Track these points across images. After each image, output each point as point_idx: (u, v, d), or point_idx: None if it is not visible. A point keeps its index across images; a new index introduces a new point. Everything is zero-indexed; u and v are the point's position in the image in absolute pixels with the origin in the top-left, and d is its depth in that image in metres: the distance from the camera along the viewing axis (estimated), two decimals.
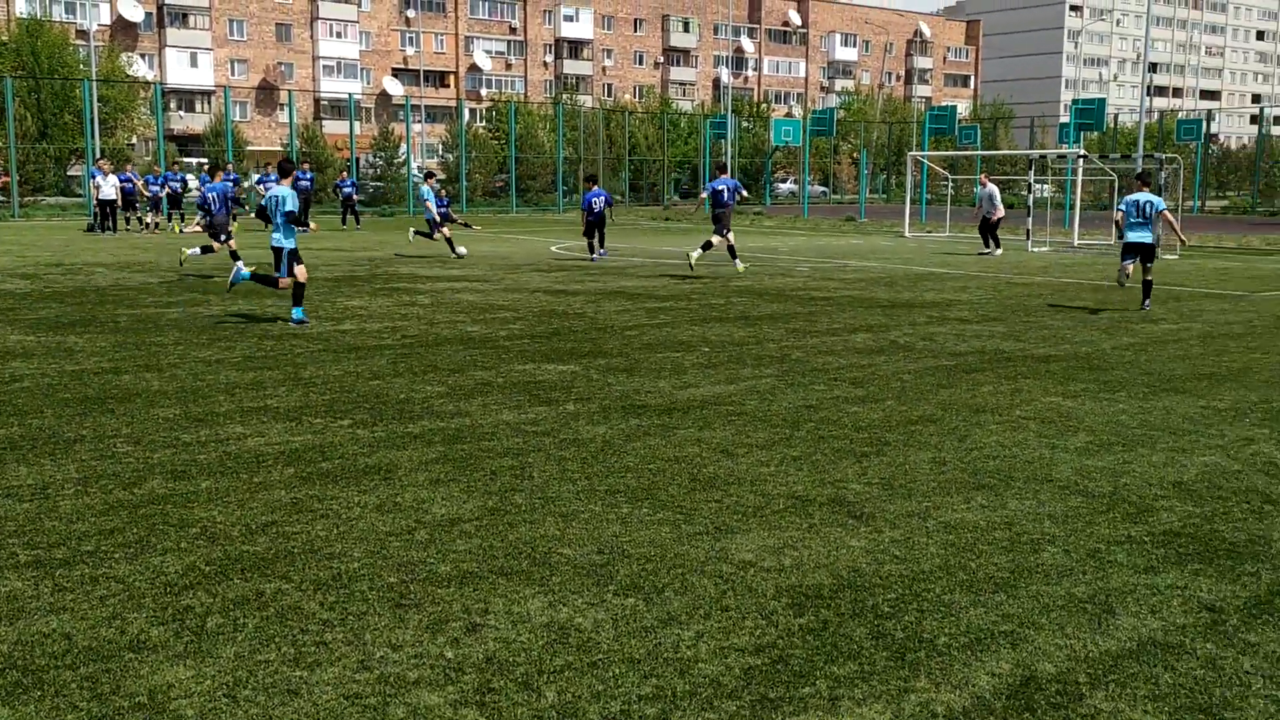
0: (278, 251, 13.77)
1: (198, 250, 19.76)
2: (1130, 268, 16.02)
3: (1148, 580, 5.13)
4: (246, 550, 5.40)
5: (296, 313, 13.67)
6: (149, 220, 32.24)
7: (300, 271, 13.78)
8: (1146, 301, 15.94)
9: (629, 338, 12.70)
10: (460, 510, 6.09)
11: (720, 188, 20.68)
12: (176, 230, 33.04)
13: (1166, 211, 16.05)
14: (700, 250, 20.69)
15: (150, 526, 5.74)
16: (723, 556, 5.40)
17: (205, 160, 51.72)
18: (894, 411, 8.78)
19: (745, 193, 22.22)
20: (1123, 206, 16.08)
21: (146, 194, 32.41)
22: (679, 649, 4.34)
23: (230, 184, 20.64)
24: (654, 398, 9.24)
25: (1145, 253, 15.88)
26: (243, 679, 4.04)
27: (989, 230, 28.01)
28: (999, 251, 27.93)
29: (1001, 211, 28.45)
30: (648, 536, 5.69)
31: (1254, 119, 66.05)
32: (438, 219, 24.68)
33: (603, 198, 24.44)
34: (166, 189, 33.15)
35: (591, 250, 24.56)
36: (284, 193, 13.56)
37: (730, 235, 20.74)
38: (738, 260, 21.25)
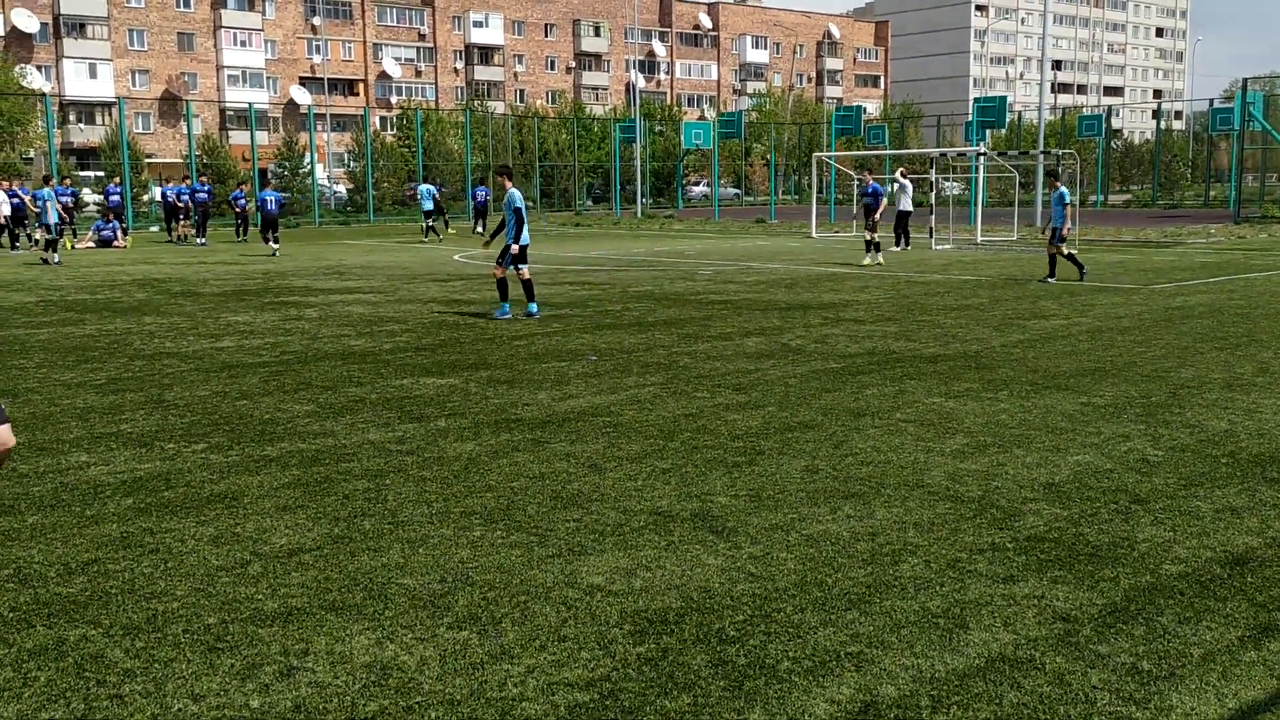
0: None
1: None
2: None
3: (1005, 590, 4.97)
4: (59, 593, 5.03)
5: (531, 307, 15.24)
6: (37, 237, 31.18)
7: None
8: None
9: (516, 348, 12.41)
10: (303, 539, 5.77)
11: None
12: (68, 246, 32.07)
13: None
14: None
15: None
16: (571, 581, 5.15)
17: (102, 173, 50.42)
18: (774, 418, 8.61)
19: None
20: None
21: (35, 209, 31.32)
22: (505, 687, 4.08)
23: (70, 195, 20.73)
24: (530, 410, 8.97)
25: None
26: None
27: (900, 226, 28.59)
28: (897, 248, 28.37)
29: (904, 206, 29.02)
30: (496, 561, 5.43)
31: (1156, 114, 67.38)
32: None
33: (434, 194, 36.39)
34: (58, 203, 32.08)
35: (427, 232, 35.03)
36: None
37: None
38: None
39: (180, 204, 35.96)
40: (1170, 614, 4.69)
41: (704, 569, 5.29)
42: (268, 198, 30.03)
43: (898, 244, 28.62)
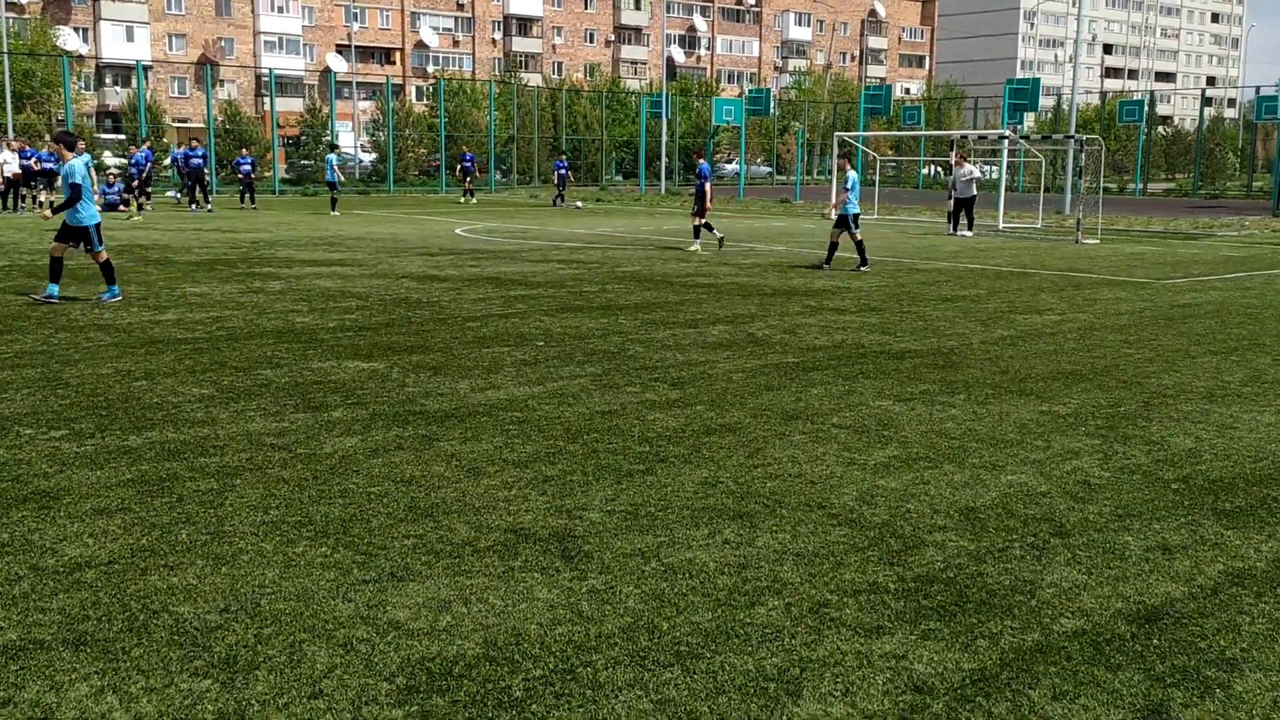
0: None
1: None
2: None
3: (864, 646, 4.24)
4: None
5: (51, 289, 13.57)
6: (42, 198, 30.87)
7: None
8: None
9: (467, 330, 11.74)
10: (98, 552, 5.12)
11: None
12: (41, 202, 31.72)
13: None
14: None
15: None
16: (371, 616, 4.47)
17: (124, 136, 50.20)
18: (698, 418, 7.88)
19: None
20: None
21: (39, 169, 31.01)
22: None
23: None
24: (441, 402, 8.29)
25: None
26: None
27: (966, 209, 27.74)
28: (969, 233, 27.38)
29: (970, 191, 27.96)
30: (300, 586, 4.75)
31: (1203, 101, 65.52)
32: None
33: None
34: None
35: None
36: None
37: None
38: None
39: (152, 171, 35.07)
40: (1045, 686, 3.94)
41: (530, 605, 4.59)
42: (177, 157, 31.26)
43: (971, 228, 27.72)
